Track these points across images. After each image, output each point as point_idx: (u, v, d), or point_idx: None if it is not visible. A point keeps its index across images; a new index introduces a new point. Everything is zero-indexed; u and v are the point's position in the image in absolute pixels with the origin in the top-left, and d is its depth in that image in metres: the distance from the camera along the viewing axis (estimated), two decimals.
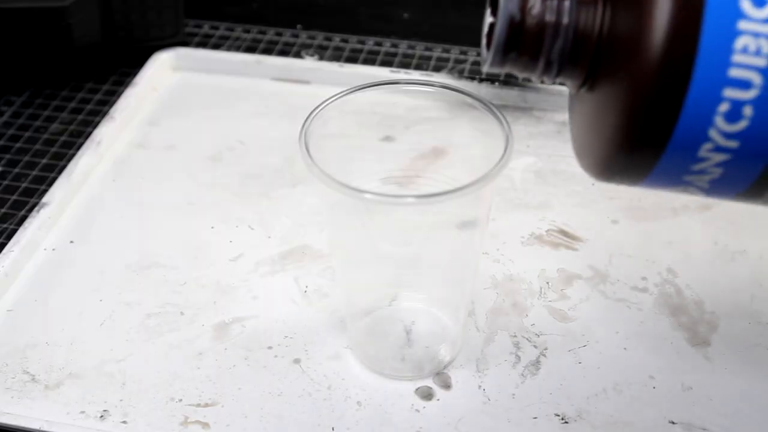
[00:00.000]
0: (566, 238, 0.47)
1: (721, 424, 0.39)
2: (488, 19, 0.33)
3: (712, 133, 0.30)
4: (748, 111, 0.29)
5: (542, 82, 0.34)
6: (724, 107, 0.29)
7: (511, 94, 0.56)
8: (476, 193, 0.34)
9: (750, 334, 0.42)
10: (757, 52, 0.29)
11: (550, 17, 0.32)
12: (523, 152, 0.52)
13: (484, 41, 0.34)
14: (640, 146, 0.31)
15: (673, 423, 0.39)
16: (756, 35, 0.29)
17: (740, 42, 0.29)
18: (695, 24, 0.29)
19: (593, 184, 0.50)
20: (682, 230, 0.48)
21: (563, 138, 0.53)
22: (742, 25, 0.29)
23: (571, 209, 0.49)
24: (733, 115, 0.29)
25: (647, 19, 0.29)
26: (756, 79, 0.29)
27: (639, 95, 0.30)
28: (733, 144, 0.30)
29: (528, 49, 0.32)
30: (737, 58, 0.29)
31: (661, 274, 0.45)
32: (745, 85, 0.29)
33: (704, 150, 0.30)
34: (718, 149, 0.30)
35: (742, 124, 0.30)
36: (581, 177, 0.51)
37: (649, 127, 0.30)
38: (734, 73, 0.29)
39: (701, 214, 0.49)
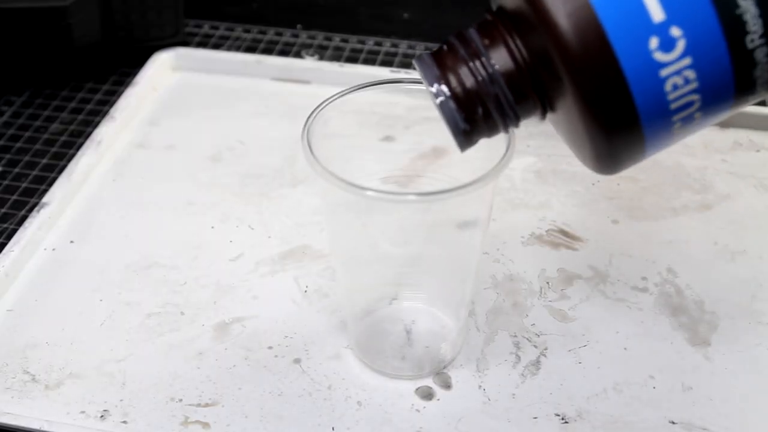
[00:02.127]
0: (566, 238, 0.47)
1: (721, 424, 0.39)
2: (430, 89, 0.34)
3: (663, 72, 0.31)
4: (675, 31, 0.30)
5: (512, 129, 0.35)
6: (654, 43, 0.30)
7: None
8: (477, 193, 0.34)
9: (750, 334, 0.42)
10: None
11: (475, 84, 0.33)
12: (523, 152, 0.52)
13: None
14: (619, 130, 0.32)
15: (673, 423, 0.39)
16: None
17: None
18: (587, 7, 0.30)
19: (593, 184, 0.50)
20: (682, 230, 0.48)
21: None
22: None
23: (571, 209, 0.49)
24: (666, 44, 0.31)
25: (550, 27, 0.31)
26: (658, 8, 0.30)
27: (585, 90, 0.31)
28: (686, 62, 0.31)
29: (482, 121, 0.34)
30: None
31: (661, 274, 0.45)
32: (652, 14, 0.30)
33: (669, 89, 0.31)
34: (680, 79, 0.31)
35: (680, 44, 0.31)
36: (581, 177, 0.51)
37: (612, 109, 0.31)
38: (638, 9, 0.30)
39: (701, 214, 0.49)
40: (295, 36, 0.64)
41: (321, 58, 0.62)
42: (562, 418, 0.39)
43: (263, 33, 0.65)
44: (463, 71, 0.33)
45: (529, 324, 0.43)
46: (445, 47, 0.34)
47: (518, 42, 0.33)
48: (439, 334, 0.41)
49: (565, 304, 0.44)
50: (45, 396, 0.40)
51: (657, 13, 0.30)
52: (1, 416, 0.39)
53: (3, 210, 0.50)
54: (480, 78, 0.33)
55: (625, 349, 0.42)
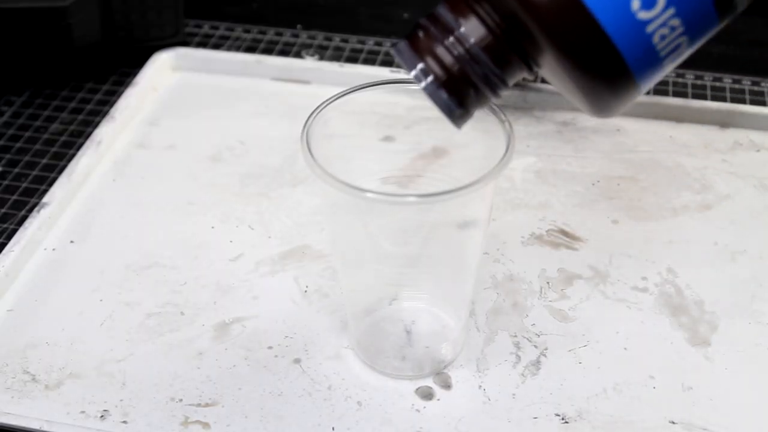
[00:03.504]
0: (566, 238, 0.47)
1: (721, 424, 0.39)
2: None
3: (650, 28, 0.32)
4: None
5: (500, 93, 0.35)
6: (636, 4, 0.31)
7: (511, 94, 0.56)
8: (477, 193, 0.34)
9: (750, 334, 0.42)
10: None
11: (457, 65, 0.33)
12: (523, 152, 0.52)
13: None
14: (611, 87, 0.33)
15: (673, 423, 0.39)
16: None
17: None
18: None
19: (593, 184, 0.50)
20: (682, 230, 0.48)
21: (563, 138, 0.53)
22: None
23: (571, 209, 0.49)
24: (648, 3, 0.31)
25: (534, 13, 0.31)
26: None
27: (570, 44, 0.32)
28: (670, 13, 0.32)
29: (473, 97, 0.34)
30: None
31: (661, 274, 0.45)
32: None
33: (657, 41, 0.32)
34: (667, 29, 0.32)
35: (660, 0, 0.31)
36: (581, 177, 0.51)
37: (603, 71, 0.32)
38: None
39: (701, 214, 0.49)
40: (295, 36, 0.64)
41: (321, 58, 0.62)
42: (562, 418, 0.39)
43: (263, 33, 0.65)
44: (443, 53, 0.33)
45: (529, 324, 0.43)
46: (420, 32, 0.34)
47: (489, 9, 0.33)
48: (439, 334, 0.41)
49: (565, 304, 0.44)
50: (45, 396, 0.40)
51: None
52: (1, 416, 0.39)
53: (3, 210, 0.50)
54: (460, 56, 0.33)
55: (625, 349, 0.42)
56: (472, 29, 0.33)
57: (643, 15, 0.31)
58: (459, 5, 0.33)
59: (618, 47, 0.32)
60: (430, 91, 0.34)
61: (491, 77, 0.34)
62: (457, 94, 0.34)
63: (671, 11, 0.31)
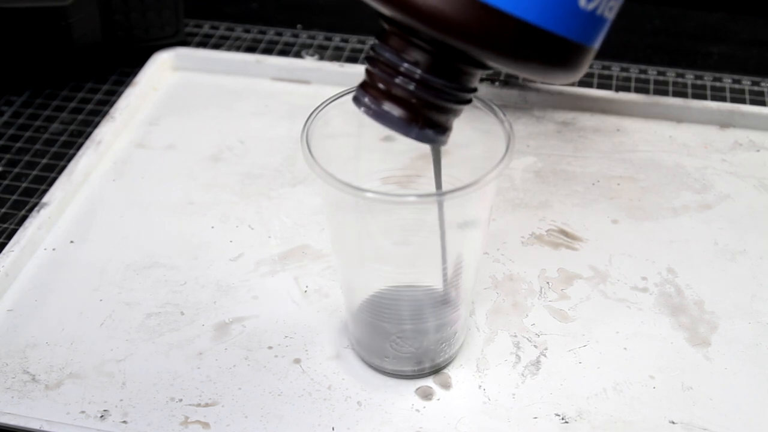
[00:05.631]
0: (566, 238, 0.47)
1: (721, 424, 0.39)
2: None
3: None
4: None
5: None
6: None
7: (511, 94, 0.56)
8: (477, 193, 0.34)
9: (750, 334, 0.42)
10: None
11: (421, 99, 0.33)
12: (523, 152, 0.52)
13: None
14: (559, 64, 0.32)
15: (673, 423, 0.39)
16: None
17: None
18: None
19: (593, 184, 0.50)
20: (682, 230, 0.48)
21: (563, 138, 0.53)
22: None
23: (571, 209, 0.49)
24: None
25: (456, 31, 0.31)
26: None
27: (516, 60, 0.31)
28: None
29: (449, 118, 0.34)
30: None
31: (661, 274, 0.45)
32: None
33: (592, 9, 0.31)
34: None
35: None
36: (581, 177, 0.51)
37: (543, 58, 0.31)
38: None
39: (701, 214, 0.49)
40: (295, 36, 0.64)
41: (321, 58, 0.62)
42: (562, 418, 0.39)
43: (263, 33, 0.65)
44: (403, 93, 0.33)
45: (529, 324, 0.43)
46: (368, 78, 0.34)
47: (420, 36, 0.33)
48: (439, 334, 0.41)
49: (565, 304, 0.44)
50: (45, 396, 0.40)
51: None
52: (1, 416, 0.39)
53: (3, 210, 0.50)
54: (418, 89, 0.33)
55: (625, 349, 0.42)
56: (416, 58, 0.33)
57: (590, 6, 0.31)
58: (394, 39, 0.33)
59: (561, 33, 0.31)
60: (418, 136, 0.34)
61: (456, 93, 0.34)
62: (433, 126, 0.34)
63: None
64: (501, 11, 0.30)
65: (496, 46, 0.31)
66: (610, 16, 0.32)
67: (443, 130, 0.34)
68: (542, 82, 0.34)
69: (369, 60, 0.34)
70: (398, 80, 0.33)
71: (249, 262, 0.46)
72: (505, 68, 0.32)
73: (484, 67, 0.34)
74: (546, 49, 0.31)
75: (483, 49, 0.31)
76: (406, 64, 0.33)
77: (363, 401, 0.40)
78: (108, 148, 0.53)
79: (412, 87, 0.33)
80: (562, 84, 0.35)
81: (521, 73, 0.33)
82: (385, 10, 0.32)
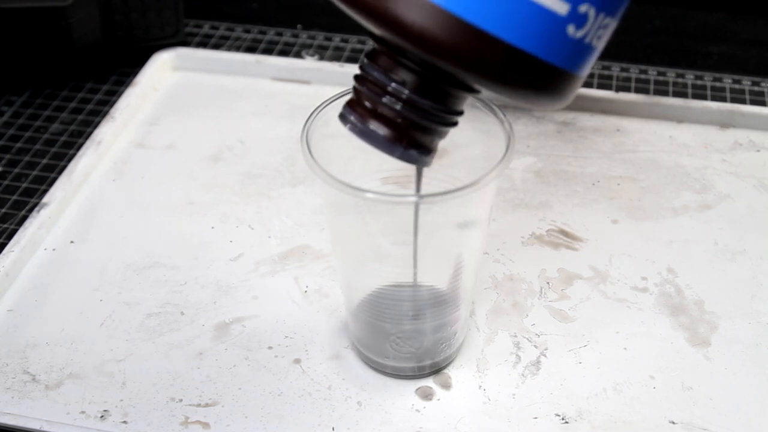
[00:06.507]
0: (566, 238, 0.47)
1: (721, 424, 0.39)
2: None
3: (569, 29, 0.31)
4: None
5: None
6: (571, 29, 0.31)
7: None
8: (477, 193, 0.34)
9: (750, 334, 0.42)
10: None
11: (406, 119, 0.33)
12: (523, 152, 0.52)
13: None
14: (545, 92, 0.32)
15: (673, 423, 0.39)
16: None
17: None
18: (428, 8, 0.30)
19: (593, 184, 0.50)
20: (682, 230, 0.48)
21: (563, 138, 0.53)
22: None
23: (571, 209, 0.49)
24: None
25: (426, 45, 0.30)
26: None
27: (501, 84, 0.31)
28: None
29: (435, 139, 0.34)
30: None
31: (661, 274, 0.45)
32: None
33: (581, 37, 0.31)
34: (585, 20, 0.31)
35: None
36: (581, 177, 0.51)
37: (532, 74, 0.31)
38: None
39: (701, 214, 0.49)
40: (295, 36, 0.64)
41: (321, 58, 0.62)
42: (562, 418, 0.39)
43: (263, 33, 0.65)
44: (389, 112, 0.33)
45: (529, 324, 0.43)
46: (355, 96, 0.34)
47: (409, 57, 0.33)
48: (439, 334, 0.41)
49: (565, 304, 0.44)
50: (45, 396, 0.40)
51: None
52: (1, 416, 0.39)
53: (3, 210, 0.50)
54: (405, 108, 0.33)
55: (625, 349, 0.42)
56: (403, 78, 0.33)
57: (578, 33, 0.31)
58: (382, 58, 0.33)
59: (549, 60, 0.31)
60: (402, 156, 0.34)
61: (442, 115, 0.34)
62: (419, 147, 0.34)
63: (602, 15, 0.31)
64: (490, 36, 0.30)
65: (484, 70, 0.31)
66: (598, 45, 0.33)
67: (427, 151, 0.34)
68: (529, 108, 0.34)
69: (357, 78, 0.34)
70: (385, 99, 0.33)
71: (249, 262, 0.46)
72: (492, 92, 0.33)
73: (472, 90, 0.34)
74: (533, 75, 0.31)
75: (471, 72, 0.31)
76: (393, 84, 0.33)
77: (363, 401, 0.40)
78: (108, 148, 0.53)
79: (398, 107, 0.33)
80: (548, 111, 0.35)
81: (508, 98, 0.33)
82: (375, 30, 0.32)
